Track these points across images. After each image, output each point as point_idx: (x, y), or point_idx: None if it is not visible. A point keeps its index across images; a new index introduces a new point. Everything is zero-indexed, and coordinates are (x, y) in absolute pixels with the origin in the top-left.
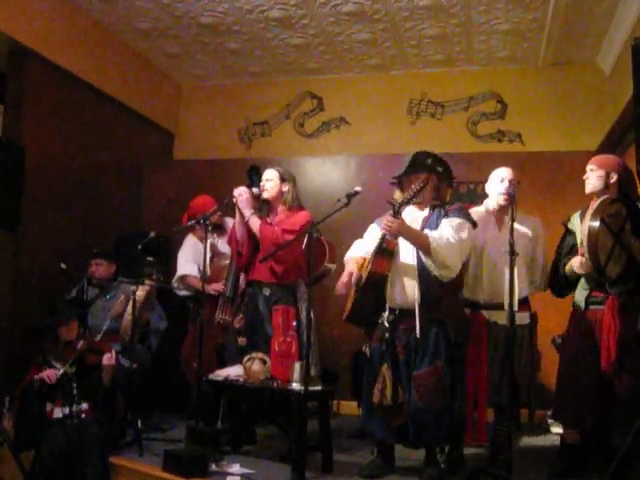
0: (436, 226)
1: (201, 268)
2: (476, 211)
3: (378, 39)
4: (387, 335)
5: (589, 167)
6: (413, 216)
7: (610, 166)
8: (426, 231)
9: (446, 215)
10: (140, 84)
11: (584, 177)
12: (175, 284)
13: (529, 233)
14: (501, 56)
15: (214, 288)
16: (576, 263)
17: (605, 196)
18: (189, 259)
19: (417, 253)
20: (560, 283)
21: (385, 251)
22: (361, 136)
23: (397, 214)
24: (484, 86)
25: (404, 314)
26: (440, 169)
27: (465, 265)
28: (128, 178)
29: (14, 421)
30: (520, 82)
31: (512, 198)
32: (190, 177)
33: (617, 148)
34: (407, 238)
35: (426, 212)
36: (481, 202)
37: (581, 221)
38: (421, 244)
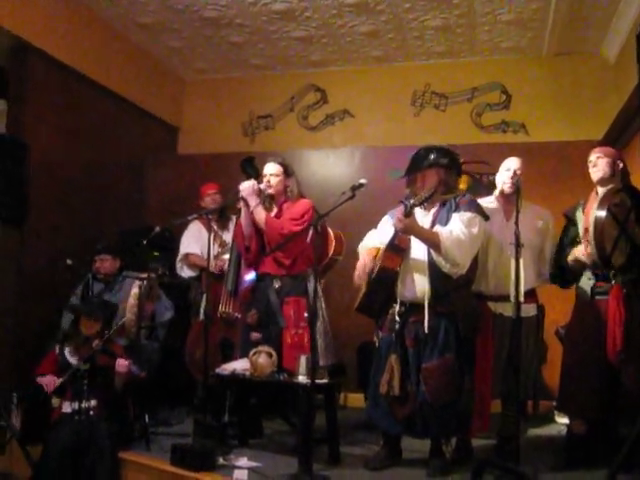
0: (447, 220)
1: (204, 251)
2: (484, 201)
3: (381, 31)
4: (397, 327)
5: (595, 155)
6: (424, 211)
7: (615, 155)
8: (437, 227)
9: (457, 208)
10: (143, 79)
11: (591, 165)
12: (179, 264)
13: (538, 225)
14: (505, 46)
15: (219, 265)
16: (580, 251)
17: (610, 185)
18: (192, 240)
19: (427, 249)
20: (562, 274)
21: (396, 248)
22: (365, 128)
23: (408, 215)
24: (488, 77)
25: (414, 308)
26: (445, 161)
27: (475, 258)
28: (132, 173)
29: (22, 414)
30: (524, 72)
31: (517, 189)
32: (194, 171)
33: (622, 137)
34: (417, 237)
35: (436, 207)
36: (487, 194)
37: (582, 212)
38: (431, 242)
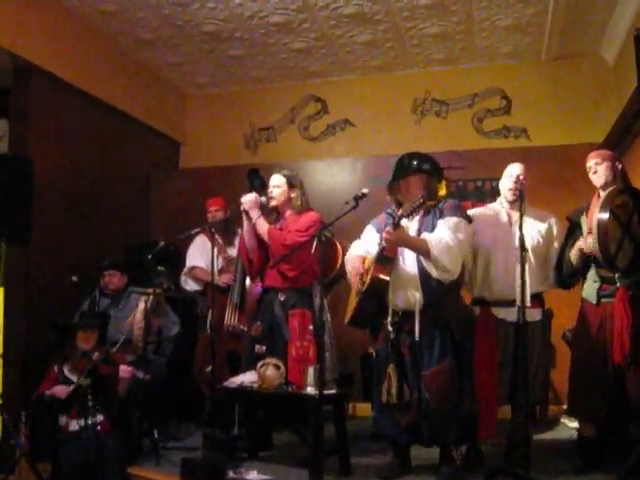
0: (432, 227)
1: (209, 265)
2: (489, 207)
3: (379, 40)
4: (392, 336)
5: (593, 161)
6: (408, 219)
7: (613, 157)
8: (424, 234)
9: (441, 215)
10: (144, 94)
11: (591, 171)
12: (183, 277)
13: (542, 229)
14: (504, 52)
15: (223, 280)
16: (582, 243)
17: (612, 187)
18: (197, 254)
19: (416, 256)
20: (565, 272)
21: (385, 258)
22: (366, 137)
23: (397, 226)
24: (488, 82)
25: (407, 316)
26: (427, 166)
27: (465, 264)
28: (136, 188)
29: (28, 432)
30: (524, 77)
31: (521, 194)
32: (197, 185)
33: (624, 139)
34: (407, 247)
35: (420, 213)
36: (490, 199)
37: (586, 215)
38: (421, 251)
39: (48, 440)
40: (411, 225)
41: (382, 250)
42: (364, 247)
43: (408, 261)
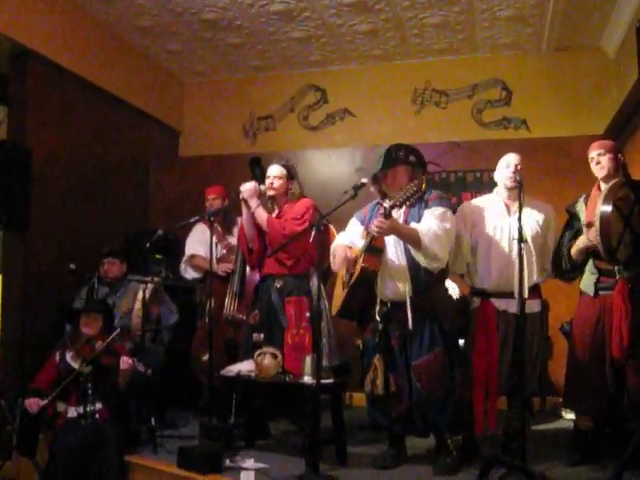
0: (419, 218)
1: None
2: (485, 199)
3: (380, 29)
4: (380, 327)
5: (596, 152)
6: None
7: (615, 148)
8: (412, 224)
9: (427, 206)
10: (143, 82)
11: (593, 162)
12: (183, 265)
13: (540, 219)
14: (504, 42)
15: (222, 268)
16: (582, 240)
17: (614, 180)
18: (197, 242)
19: (405, 247)
20: (563, 267)
21: (375, 249)
22: (366, 127)
23: (388, 216)
24: (488, 73)
25: (396, 306)
26: (413, 158)
27: (464, 255)
28: (135, 176)
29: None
30: (524, 68)
31: (520, 184)
32: (196, 174)
33: (624, 131)
34: (399, 236)
35: (405, 205)
36: (489, 191)
37: (585, 206)
38: (412, 240)
39: (30, 440)
40: (397, 216)
41: (371, 240)
42: (349, 239)
43: (396, 252)
